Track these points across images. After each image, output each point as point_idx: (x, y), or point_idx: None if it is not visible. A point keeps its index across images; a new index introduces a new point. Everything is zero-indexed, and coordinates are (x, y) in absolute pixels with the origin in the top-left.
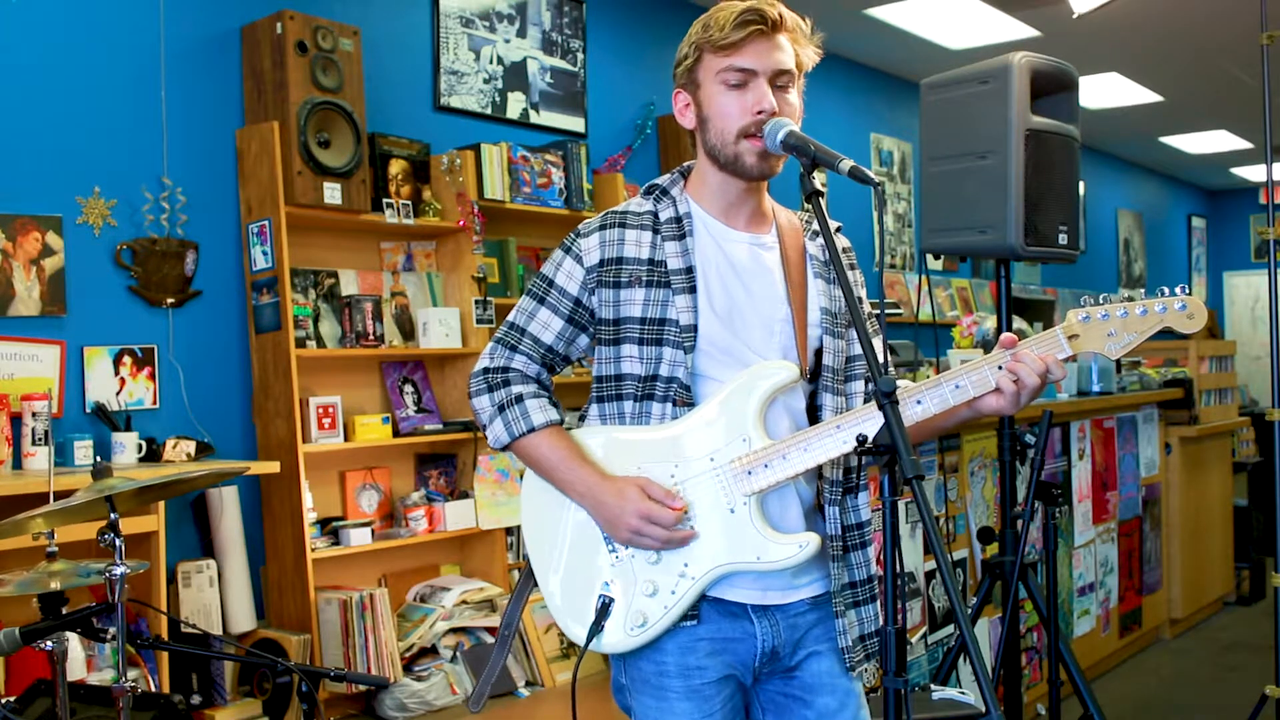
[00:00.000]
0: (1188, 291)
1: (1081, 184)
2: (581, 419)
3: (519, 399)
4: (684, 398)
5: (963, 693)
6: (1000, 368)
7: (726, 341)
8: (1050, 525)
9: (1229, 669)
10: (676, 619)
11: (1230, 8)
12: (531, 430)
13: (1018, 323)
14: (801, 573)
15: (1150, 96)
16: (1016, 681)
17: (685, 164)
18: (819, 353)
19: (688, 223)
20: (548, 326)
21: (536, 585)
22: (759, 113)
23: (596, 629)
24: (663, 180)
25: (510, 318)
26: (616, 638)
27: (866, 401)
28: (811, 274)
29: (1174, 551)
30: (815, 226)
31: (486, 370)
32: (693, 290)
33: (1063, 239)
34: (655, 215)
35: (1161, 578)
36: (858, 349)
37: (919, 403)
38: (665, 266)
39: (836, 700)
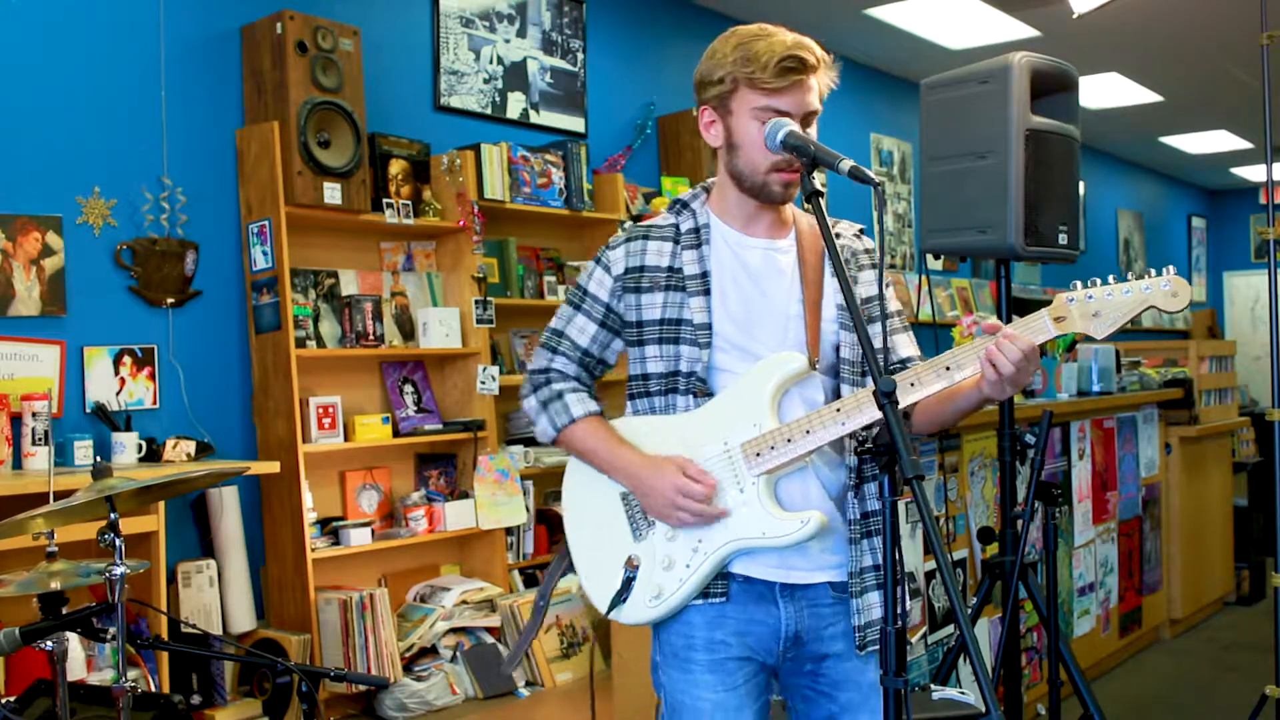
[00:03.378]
0: (1174, 272)
1: (1081, 184)
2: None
3: (559, 395)
4: (701, 389)
5: (963, 693)
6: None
7: (741, 339)
8: (1050, 525)
9: (1229, 669)
10: (691, 592)
11: (1230, 8)
12: (573, 421)
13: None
14: (824, 553)
15: (1150, 96)
16: (1016, 681)
17: (708, 180)
18: (838, 348)
19: (705, 233)
20: (584, 331)
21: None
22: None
23: (619, 600)
24: (685, 195)
25: (551, 324)
26: (637, 609)
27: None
28: (829, 274)
29: (1174, 551)
30: (837, 229)
31: (531, 373)
32: (707, 293)
33: (1063, 239)
34: (677, 227)
35: (1161, 578)
36: (875, 343)
37: (913, 385)
38: (682, 273)
39: (860, 695)
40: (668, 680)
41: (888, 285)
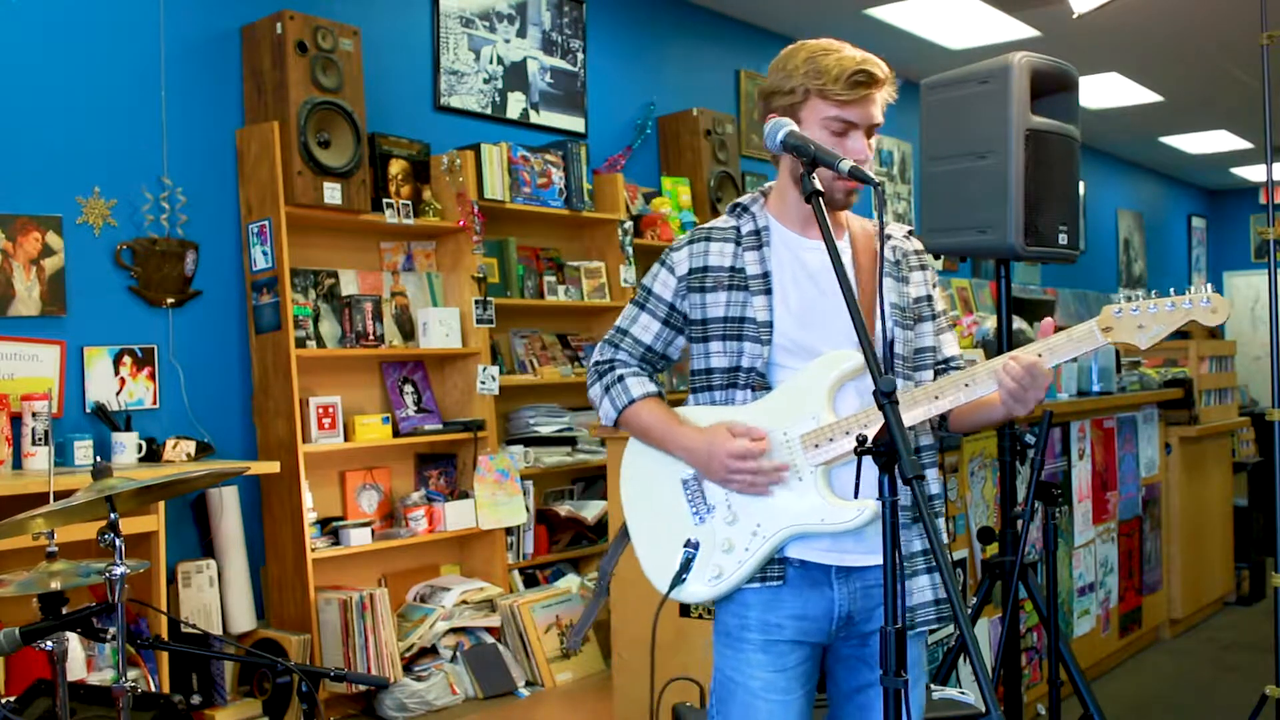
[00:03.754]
0: (1212, 289)
1: (1081, 184)
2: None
3: (621, 378)
4: (760, 383)
5: (963, 693)
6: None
7: (800, 336)
8: (1050, 525)
9: (1229, 669)
10: (750, 573)
11: (1230, 8)
12: (632, 402)
13: (1017, 323)
14: (878, 537)
15: (1150, 96)
16: (1016, 681)
17: (765, 185)
18: (891, 344)
19: (765, 234)
20: (647, 329)
21: (629, 541)
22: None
23: (679, 580)
24: (744, 199)
25: (616, 322)
26: (697, 588)
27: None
28: (883, 273)
29: (1174, 551)
30: (888, 231)
31: (596, 363)
32: (768, 292)
33: (1063, 239)
34: (737, 230)
35: (1161, 578)
36: (926, 341)
37: (967, 385)
38: (744, 273)
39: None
40: (720, 659)
41: (934, 286)
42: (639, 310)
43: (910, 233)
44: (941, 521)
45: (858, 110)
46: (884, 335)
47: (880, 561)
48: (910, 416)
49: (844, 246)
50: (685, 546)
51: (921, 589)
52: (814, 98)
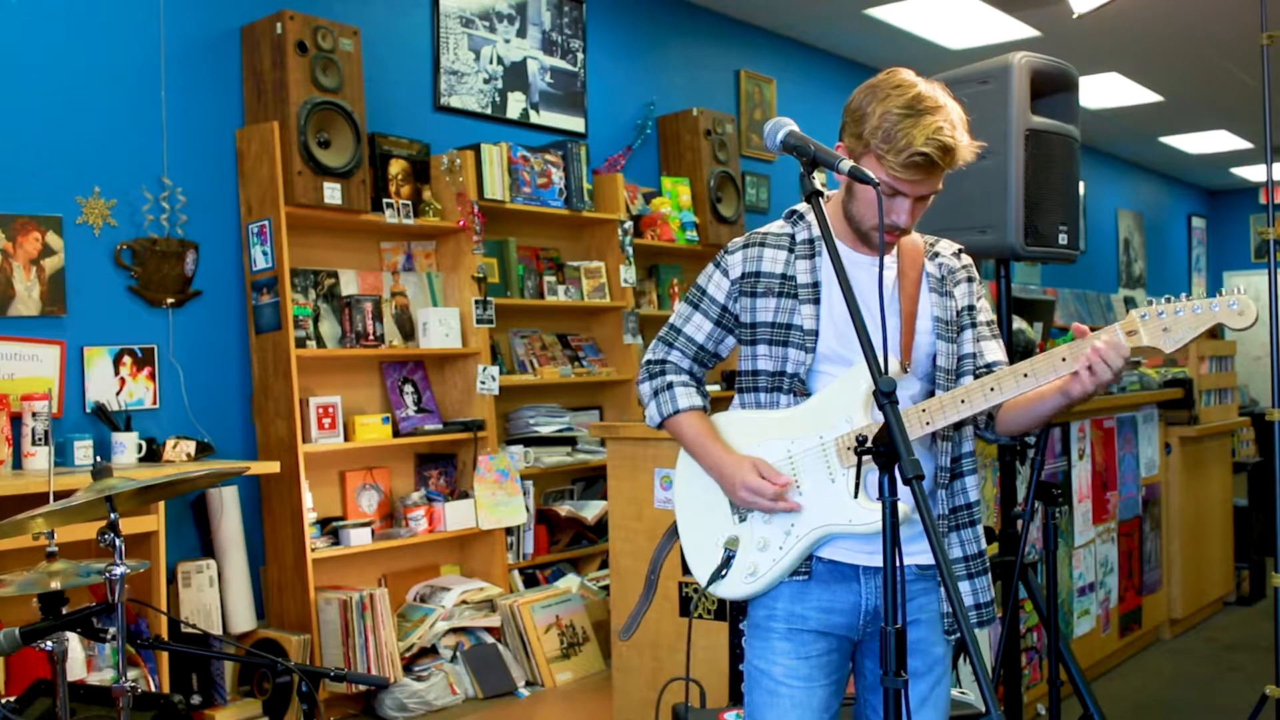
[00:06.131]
0: (1241, 291)
1: (1081, 184)
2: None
3: (670, 386)
4: (801, 389)
5: (963, 693)
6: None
7: (842, 346)
8: (1050, 525)
9: (1229, 669)
10: (784, 572)
11: (1230, 8)
12: (677, 412)
13: (1017, 323)
14: (909, 541)
15: (1150, 96)
16: (1016, 681)
17: (827, 194)
18: (934, 357)
19: (818, 244)
20: (700, 329)
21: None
22: (892, 225)
23: (718, 576)
24: (801, 207)
25: (670, 320)
26: (733, 585)
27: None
28: (927, 289)
29: (1174, 551)
30: (937, 249)
31: (649, 362)
32: (817, 301)
33: (1063, 239)
34: (792, 237)
35: (1161, 578)
36: (967, 348)
37: (1025, 375)
38: (795, 281)
39: (925, 665)
40: (749, 649)
41: (980, 299)
42: (693, 310)
43: (960, 251)
44: (980, 529)
45: (910, 184)
46: (884, 339)
47: (911, 561)
48: (964, 410)
49: (890, 261)
50: (726, 545)
51: (961, 594)
52: (873, 156)
